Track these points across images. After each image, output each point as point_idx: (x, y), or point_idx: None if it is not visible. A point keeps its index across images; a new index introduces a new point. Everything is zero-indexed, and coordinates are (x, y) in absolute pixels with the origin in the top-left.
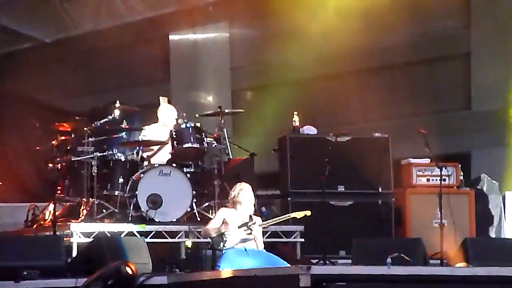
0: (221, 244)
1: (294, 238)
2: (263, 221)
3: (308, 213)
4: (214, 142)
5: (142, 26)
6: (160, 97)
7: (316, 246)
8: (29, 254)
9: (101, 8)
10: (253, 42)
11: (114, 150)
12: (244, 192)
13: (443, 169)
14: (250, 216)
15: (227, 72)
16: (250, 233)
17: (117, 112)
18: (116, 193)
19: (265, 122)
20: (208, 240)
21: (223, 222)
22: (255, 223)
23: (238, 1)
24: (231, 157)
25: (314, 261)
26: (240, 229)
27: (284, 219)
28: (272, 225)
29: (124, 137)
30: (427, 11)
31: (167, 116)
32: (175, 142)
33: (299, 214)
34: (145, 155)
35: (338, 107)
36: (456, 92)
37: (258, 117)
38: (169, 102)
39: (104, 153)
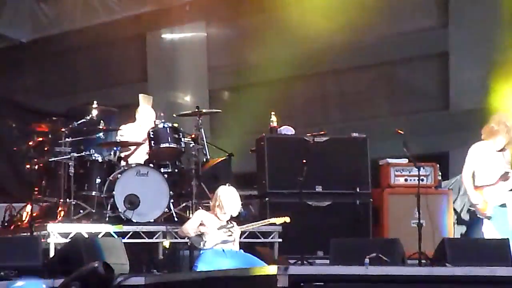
0: (201, 243)
1: (272, 238)
2: (240, 222)
3: (287, 219)
4: (192, 142)
5: (119, 25)
6: (140, 95)
7: (294, 246)
8: (6, 255)
9: (78, 8)
10: (231, 42)
11: (91, 150)
12: (226, 197)
13: (421, 169)
14: (228, 220)
15: (204, 72)
16: (231, 235)
17: (94, 113)
18: (94, 193)
19: (242, 122)
20: (186, 240)
21: (200, 224)
22: (233, 226)
23: (215, 1)
24: (208, 157)
25: (292, 261)
26: (220, 231)
27: (263, 224)
28: (250, 228)
29: (101, 137)
30: (405, 10)
31: (145, 117)
32: (152, 142)
33: (278, 220)
34: (122, 155)
35: (315, 107)
36: (434, 92)
37: (236, 117)
38: (148, 99)
39: (81, 154)
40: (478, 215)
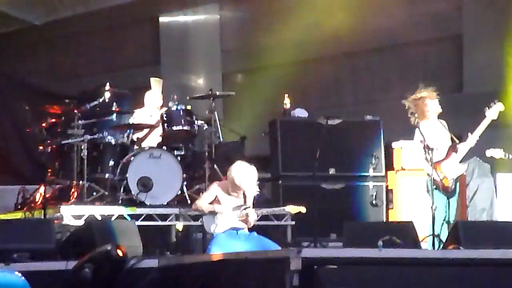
0: (211, 227)
1: (285, 221)
2: (253, 202)
3: (303, 209)
4: (205, 124)
5: (132, 7)
6: (151, 79)
7: (307, 229)
8: (19, 237)
9: None
10: (244, 24)
11: (104, 133)
12: (246, 174)
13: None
14: (244, 199)
15: (217, 55)
16: (243, 220)
17: (107, 95)
18: (107, 176)
19: (255, 104)
20: (199, 223)
21: (215, 199)
22: (249, 207)
23: None
24: (221, 140)
25: (305, 244)
26: (234, 212)
27: (278, 212)
28: (264, 211)
29: (114, 120)
30: None
31: (151, 101)
32: (165, 124)
33: (294, 209)
34: (135, 137)
35: (329, 90)
36: (447, 74)
37: (249, 99)
38: (158, 82)
39: (94, 136)
40: (443, 193)
